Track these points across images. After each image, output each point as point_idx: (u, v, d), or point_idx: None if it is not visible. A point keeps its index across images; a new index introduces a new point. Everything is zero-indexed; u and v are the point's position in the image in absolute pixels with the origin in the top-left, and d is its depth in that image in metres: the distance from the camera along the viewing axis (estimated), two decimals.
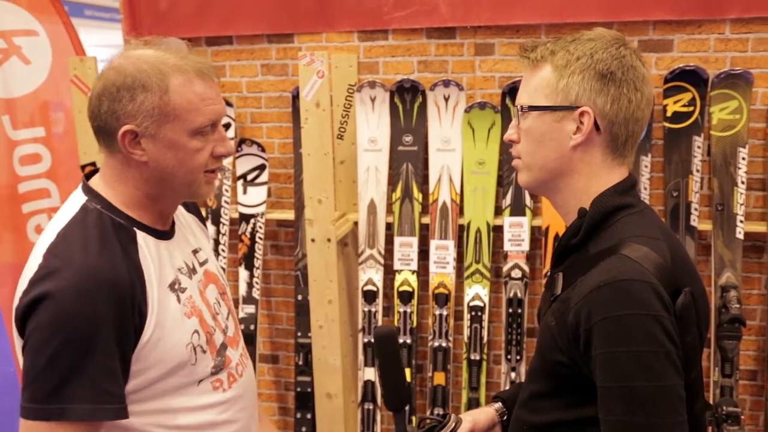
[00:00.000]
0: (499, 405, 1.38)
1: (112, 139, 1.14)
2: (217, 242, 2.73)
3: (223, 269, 2.73)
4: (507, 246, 2.50)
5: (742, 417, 2.26)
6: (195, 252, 1.31)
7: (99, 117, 1.14)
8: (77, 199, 1.18)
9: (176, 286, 1.21)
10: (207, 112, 1.15)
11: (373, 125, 2.58)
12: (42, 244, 1.13)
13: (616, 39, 1.11)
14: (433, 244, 2.55)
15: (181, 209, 1.35)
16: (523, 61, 1.15)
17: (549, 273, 1.18)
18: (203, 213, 2.71)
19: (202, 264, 1.31)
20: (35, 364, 1.06)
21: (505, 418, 1.36)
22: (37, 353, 1.06)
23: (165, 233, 1.24)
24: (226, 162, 2.72)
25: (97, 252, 1.10)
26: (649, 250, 1.01)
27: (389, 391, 1.27)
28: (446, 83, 2.50)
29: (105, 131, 1.15)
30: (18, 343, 1.13)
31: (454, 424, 1.32)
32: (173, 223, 1.29)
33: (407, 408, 1.30)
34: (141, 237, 1.18)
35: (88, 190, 1.19)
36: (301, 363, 2.69)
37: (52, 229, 1.14)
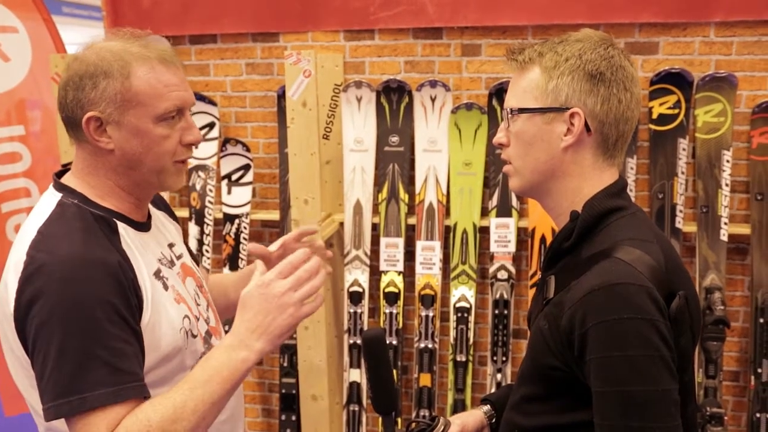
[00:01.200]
0: (487, 408, 1.37)
1: (79, 129, 1.14)
2: (201, 243, 2.70)
3: (207, 270, 2.70)
4: (493, 247, 2.50)
5: (726, 418, 2.28)
6: (171, 246, 1.31)
7: (66, 107, 1.15)
8: (51, 197, 1.17)
9: (160, 274, 1.20)
10: (171, 98, 1.15)
11: (359, 125, 2.56)
12: (22, 243, 1.11)
13: (604, 39, 1.11)
14: (420, 245, 2.54)
15: (149, 206, 1.34)
16: (510, 63, 1.14)
17: (540, 276, 1.17)
18: (187, 213, 2.69)
19: (178, 258, 1.31)
20: (45, 363, 1.04)
21: (493, 420, 1.36)
22: (46, 352, 1.04)
23: (143, 225, 1.24)
24: (211, 162, 2.69)
25: (82, 241, 1.09)
26: (643, 253, 1.01)
27: (378, 394, 1.26)
28: (433, 84, 2.49)
29: (72, 121, 1.15)
30: (14, 346, 1.10)
31: (442, 428, 1.31)
32: (149, 216, 1.28)
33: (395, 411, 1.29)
34: (122, 227, 1.17)
35: (61, 187, 1.18)
36: (286, 364, 2.67)
37: (31, 227, 1.12)
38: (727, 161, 2.34)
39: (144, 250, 1.19)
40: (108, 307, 1.05)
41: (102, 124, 1.13)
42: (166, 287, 1.20)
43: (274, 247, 1.37)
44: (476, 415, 1.37)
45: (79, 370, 1.03)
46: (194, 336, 1.23)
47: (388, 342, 2.54)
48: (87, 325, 1.04)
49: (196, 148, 1.26)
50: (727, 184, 2.34)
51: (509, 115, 1.13)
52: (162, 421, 1.03)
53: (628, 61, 1.10)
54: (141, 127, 1.14)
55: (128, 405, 1.05)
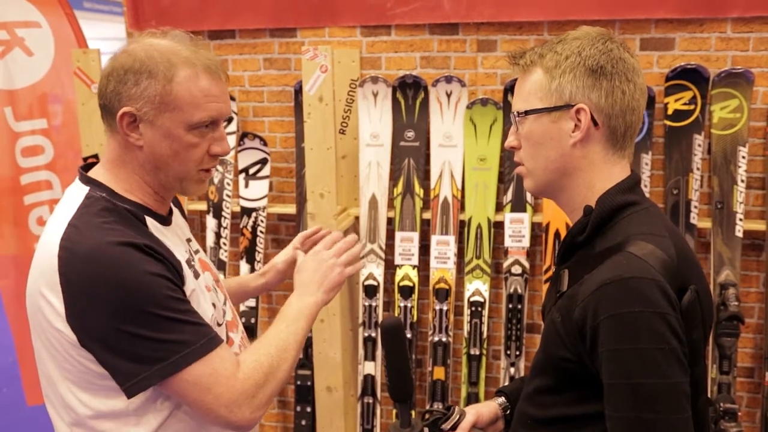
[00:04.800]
0: (502, 399, 1.39)
1: (113, 119, 1.17)
2: (218, 235, 2.74)
3: (224, 263, 2.74)
4: (507, 242, 2.52)
5: (739, 414, 2.28)
6: (188, 241, 1.34)
7: (105, 96, 1.17)
8: (78, 190, 1.19)
9: (191, 263, 1.24)
10: (208, 109, 1.17)
11: (375, 120, 2.59)
12: (53, 236, 1.11)
13: (602, 34, 1.12)
14: (434, 239, 2.56)
15: None
16: (513, 68, 1.17)
17: (554, 269, 1.19)
18: (205, 206, 2.72)
19: (195, 253, 1.34)
20: (132, 341, 1.08)
21: (508, 412, 1.38)
22: (124, 333, 1.07)
23: (165, 219, 1.27)
24: (228, 156, 2.73)
25: (117, 230, 1.11)
26: (655, 247, 1.02)
27: (395, 382, 1.28)
28: (448, 79, 2.51)
29: (108, 110, 1.17)
30: (54, 339, 1.12)
31: (458, 417, 1.33)
32: (170, 211, 1.31)
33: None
34: (149, 221, 1.20)
35: (88, 180, 1.20)
36: (301, 356, 2.71)
37: (60, 221, 1.13)
38: (743, 157, 2.33)
39: (171, 243, 1.22)
40: (162, 278, 1.11)
41: (136, 120, 1.15)
42: (197, 275, 1.24)
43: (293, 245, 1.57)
44: (491, 406, 1.39)
45: (170, 333, 1.09)
46: (219, 325, 1.26)
47: None
48: (152, 297, 1.08)
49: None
50: (742, 180, 2.33)
51: (517, 118, 1.15)
52: (278, 350, 1.21)
53: (627, 52, 1.12)
54: (173, 131, 1.16)
55: (224, 346, 1.17)
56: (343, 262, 1.41)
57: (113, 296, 1.07)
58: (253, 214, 2.73)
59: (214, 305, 1.26)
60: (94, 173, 1.22)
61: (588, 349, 1.02)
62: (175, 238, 1.26)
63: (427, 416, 1.36)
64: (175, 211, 1.38)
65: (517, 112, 1.15)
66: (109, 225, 1.11)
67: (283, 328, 1.26)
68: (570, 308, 1.05)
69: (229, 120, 2.71)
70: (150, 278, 1.09)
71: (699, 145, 2.36)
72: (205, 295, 1.24)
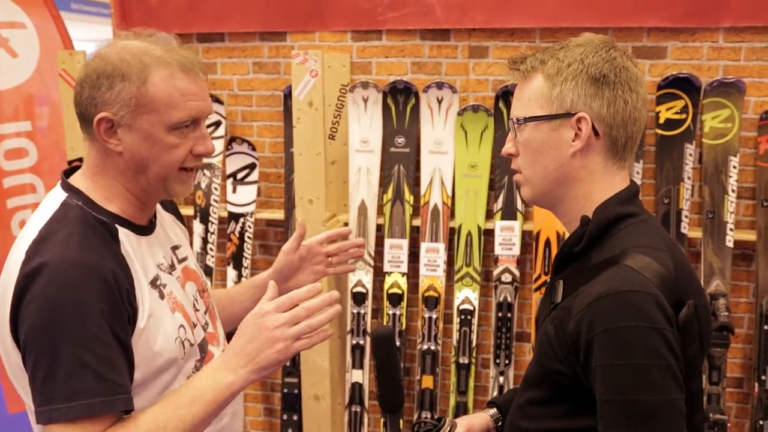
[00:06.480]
0: (494, 411, 1.37)
1: (90, 126, 1.14)
2: (205, 241, 2.70)
3: (211, 268, 2.70)
4: (498, 250, 2.50)
5: (729, 424, 2.27)
6: (175, 248, 1.30)
7: (80, 103, 1.14)
8: (57, 196, 1.16)
9: (158, 282, 1.19)
10: (187, 108, 1.13)
11: (365, 126, 2.56)
12: (23, 243, 1.10)
13: (605, 42, 1.10)
14: (424, 246, 2.54)
15: (158, 207, 1.33)
16: (514, 73, 1.14)
17: (549, 279, 1.17)
18: (192, 211, 2.69)
19: (181, 261, 1.30)
20: (36, 366, 1.04)
21: (500, 424, 1.36)
22: (36, 355, 1.04)
23: (145, 228, 1.23)
24: (216, 160, 2.69)
25: (81, 246, 1.08)
26: (652, 260, 1.00)
27: (385, 392, 1.26)
28: (439, 85, 2.49)
29: (85, 118, 1.14)
30: (9, 347, 1.10)
31: (449, 428, 1.31)
32: (154, 218, 1.27)
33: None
34: (123, 233, 1.16)
35: (68, 187, 1.17)
36: (288, 364, 2.67)
37: (33, 227, 1.11)
38: (734, 167, 2.33)
39: (143, 257, 1.18)
40: (100, 314, 1.04)
41: (113, 126, 1.12)
42: (162, 296, 1.19)
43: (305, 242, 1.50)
44: (482, 417, 1.37)
45: (67, 377, 1.02)
46: (191, 344, 1.22)
47: None
48: (77, 331, 1.03)
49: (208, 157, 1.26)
50: (733, 190, 2.33)
51: (516, 125, 1.13)
52: None
53: (631, 62, 1.10)
54: (152, 133, 1.12)
55: (113, 417, 1.05)
56: (292, 334, 1.09)
57: (43, 314, 1.03)
58: (241, 220, 2.70)
59: (182, 327, 1.20)
60: (74, 180, 1.19)
61: (582, 363, 1.00)
62: (152, 248, 1.22)
63: (417, 427, 1.34)
64: (165, 217, 1.35)
65: (516, 119, 1.12)
66: (74, 239, 1.08)
67: (169, 409, 1.07)
68: (564, 320, 1.02)
69: (217, 124, 2.68)
70: (89, 312, 1.03)
71: (690, 155, 2.36)
72: (170, 316, 1.18)
